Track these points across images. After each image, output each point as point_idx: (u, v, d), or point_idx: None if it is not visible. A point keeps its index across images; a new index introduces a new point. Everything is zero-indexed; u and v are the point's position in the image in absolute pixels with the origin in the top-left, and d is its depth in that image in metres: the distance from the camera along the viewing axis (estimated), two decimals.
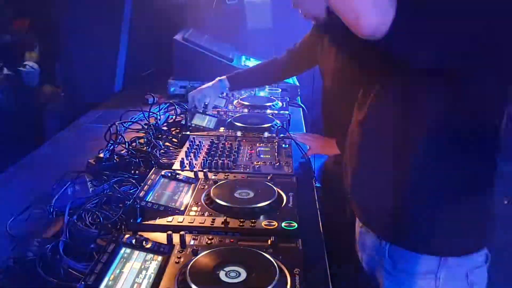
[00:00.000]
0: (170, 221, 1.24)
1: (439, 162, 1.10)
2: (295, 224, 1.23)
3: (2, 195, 1.59)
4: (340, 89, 1.75)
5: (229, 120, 2.12)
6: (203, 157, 1.70)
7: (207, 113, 2.16)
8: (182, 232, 1.13)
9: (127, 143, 1.81)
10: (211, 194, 1.34)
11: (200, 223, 1.23)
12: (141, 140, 1.90)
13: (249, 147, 1.81)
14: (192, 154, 1.71)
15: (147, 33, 3.40)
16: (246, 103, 2.40)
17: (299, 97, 2.81)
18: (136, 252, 1.08)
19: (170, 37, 2.83)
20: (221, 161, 1.64)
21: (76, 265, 1.12)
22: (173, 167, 1.61)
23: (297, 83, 2.86)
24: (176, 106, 2.32)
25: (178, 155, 1.73)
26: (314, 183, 1.73)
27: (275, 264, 1.02)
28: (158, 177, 1.44)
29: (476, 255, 1.17)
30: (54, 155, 1.98)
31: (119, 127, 1.93)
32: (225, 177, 1.53)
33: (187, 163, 1.65)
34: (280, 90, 2.70)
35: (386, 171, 1.16)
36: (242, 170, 1.62)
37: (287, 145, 1.84)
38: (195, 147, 1.78)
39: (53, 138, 2.22)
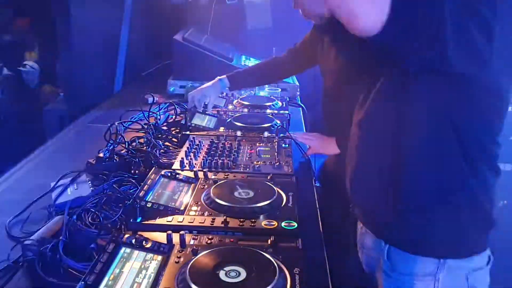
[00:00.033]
0: (170, 221, 1.24)
1: (438, 163, 1.09)
2: (295, 224, 1.23)
3: (2, 195, 1.59)
4: (340, 88, 1.75)
5: (229, 119, 2.12)
6: (203, 156, 1.70)
7: (207, 112, 2.16)
8: (182, 232, 1.13)
9: (127, 143, 1.81)
10: (211, 194, 1.34)
11: (200, 222, 1.23)
12: (141, 140, 1.90)
13: (249, 147, 1.81)
14: (192, 154, 1.71)
15: (147, 33, 3.41)
16: (246, 102, 2.40)
17: (299, 97, 2.81)
18: (136, 252, 1.08)
19: (170, 37, 2.83)
20: (221, 161, 1.64)
21: (76, 265, 1.12)
22: (173, 167, 1.61)
23: (297, 83, 2.86)
24: (176, 106, 2.32)
25: (178, 155, 1.72)
26: (314, 183, 1.73)
27: (275, 264, 1.02)
28: (158, 176, 1.44)
29: (477, 257, 1.16)
30: (54, 155, 1.98)
31: (119, 127, 1.93)
32: (225, 176, 1.53)
33: (187, 163, 1.65)
34: (280, 89, 2.70)
35: (384, 172, 1.15)
36: (242, 170, 1.62)
37: (287, 145, 1.84)
38: (195, 147, 1.78)
39: (53, 138, 2.22)
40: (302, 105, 2.68)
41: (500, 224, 1.17)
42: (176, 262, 1.06)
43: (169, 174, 1.47)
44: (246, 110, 2.32)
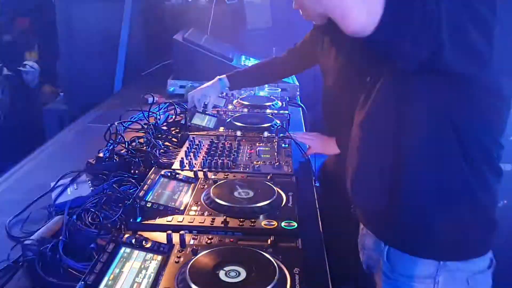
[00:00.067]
0: (170, 221, 1.24)
1: (438, 164, 1.08)
2: (295, 224, 1.22)
3: (2, 195, 1.59)
4: (340, 88, 1.75)
5: (228, 119, 2.12)
6: (203, 156, 1.70)
7: (206, 112, 2.16)
8: (181, 232, 1.13)
9: (126, 143, 1.81)
10: (211, 194, 1.34)
11: (199, 222, 1.23)
12: (141, 140, 1.90)
13: (248, 147, 1.81)
14: (191, 154, 1.71)
15: (147, 33, 3.41)
16: (245, 102, 2.40)
17: (299, 97, 2.81)
18: (136, 252, 1.08)
19: (170, 37, 2.83)
20: (220, 161, 1.64)
21: (76, 265, 1.12)
22: (173, 167, 1.61)
23: (297, 83, 2.86)
24: (175, 105, 2.32)
25: (177, 155, 1.72)
26: (314, 183, 1.73)
27: (275, 264, 1.02)
28: (157, 176, 1.44)
29: (478, 260, 1.15)
30: (54, 155, 1.98)
31: (119, 127, 1.93)
32: (225, 176, 1.53)
33: (186, 163, 1.65)
34: (279, 89, 2.70)
35: (385, 172, 1.15)
36: (241, 170, 1.62)
37: (287, 145, 1.84)
38: (194, 146, 1.78)
39: (53, 138, 2.22)
40: (302, 105, 2.68)
41: (501, 224, 1.16)
42: (176, 262, 1.06)
43: (169, 174, 1.47)
44: (246, 110, 2.32)
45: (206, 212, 1.28)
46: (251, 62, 2.98)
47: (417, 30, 0.88)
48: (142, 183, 1.40)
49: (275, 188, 1.39)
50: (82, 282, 0.95)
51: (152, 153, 1.71)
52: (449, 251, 1.13)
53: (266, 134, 1.91)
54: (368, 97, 1.19)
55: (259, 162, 1.67)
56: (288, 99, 2.55)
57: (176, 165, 1.63)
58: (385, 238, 1.21)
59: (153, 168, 1.51)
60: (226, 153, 1.73)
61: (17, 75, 3.82)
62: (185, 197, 1.37)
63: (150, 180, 1.41)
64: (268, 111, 2.32)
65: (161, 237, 1.14)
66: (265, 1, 3.22)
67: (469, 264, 1.14)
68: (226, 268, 1.01)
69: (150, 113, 2.16)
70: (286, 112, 2.31)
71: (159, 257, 1.07)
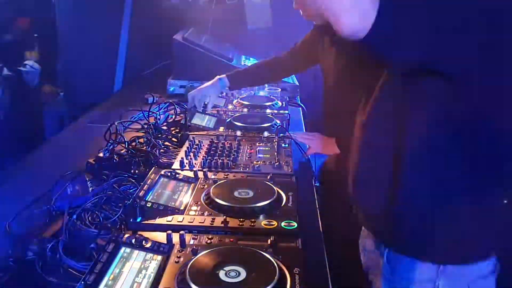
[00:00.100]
0: (170, 221, 1.24)
1: (438, 165, 1.08)
2: (295, 224, 1.22)
3: (2, 195, 1.59)
4: (341, 88, 1.75)
5: (228, 119, 2.12)
6: (203, 156, 1.70)
7: (206, 112, 2.16)
8: (181, 232, 1.13)
9: (126, 143, 1.81)
10: (211, 194, 1.34)
11: (199, 222, 1.23)
12: (141, 140, 1.90)
13: (248, 147, 1.81)
14: (191, 154, 1.71)
15: (147, 33, 3.41)
16: (245, 102, 2.40)
17: (299, 97, 2.81)
18: (136, 252, 1.08)
19: (170, 37, 2.83)
20: (220, 161, 1.64)
21: (76, 265, 1.12)
22: (173, 167, 1.61)
23: (297, 83, 2.86)
24: (175, 105, 2.32)
25: (177, 155, 1.73)
26: (314, 183, 1.73)
27: (275, 264, 1.02)
28: (157, 176, 1.44)
29: (481, 264, 1.13)
30: (54, 155, 1.98)
31: (119, 127, 1.93)
32: (225, 176, 1.53)
33: (186, 163, 1.65)
34: (279, 89, 2.70)
35: (386, 174, 1.13)
36: (241, 170, 1.62)
37: (287, 145, 1.84)
38: (194, 146, 1.78)
39: (53, 138, 2.22)
40: (302, 105, 2.68)
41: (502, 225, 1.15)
42: (176, 262, 1.06)
43: (169, 174, 1.47)
44: (246, 110, 2.32)
45: (206, 212, 1.28)
46: (251, 62, 2.98)
47: (409, 36, 0.89)
48: (142, 183, 1.40)
49: (275, 188, 1.39)
50: (82, 282, 0.95)
51: (152, 153, 1.71)
52: (450, 255, 1.12)
53: (266, 134, 1.91)
54: (369, 99, 1.19)
55: (259, 162, 1.67)
56: (288, 99, 2.55)
57: (176, 165, 1.63)
58: (384, 240, 1.20)
59: (153, 168, 1.51)
60: (226, 153, 1.73)
61: (17, 75, 3.82)
62: (185, 197, 1.37)
63: (150, 180, 1.41)
64: (268, 111, 2.32)
65: (161, 237, 1.14)
66: (265, 1, 3.21)
67: (471, 269, 1.13)
68: (226, 268, 1.01)
69: (150, 113, 2.16)
70: (286, 112, 2.31)
71: (159, 257, 1.07)
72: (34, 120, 3.71)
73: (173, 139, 1.97)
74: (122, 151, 1.75)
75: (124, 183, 1.51)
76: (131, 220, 1.23)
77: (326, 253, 1.26)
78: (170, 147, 1.88)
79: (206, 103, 2.16)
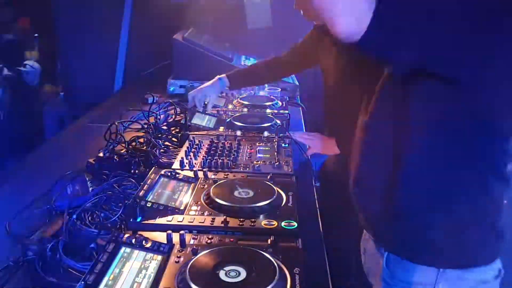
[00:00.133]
0: (170, 221, 1.24)
1: (439, 167, 1.07)
2: (295, 224, 1.22)
3: (2, 195, 1.59)
4: (341, 88, 1.75)
5: (228, 119, 2.12)
6: (203, 156, 1.70)
7: (206, 112, 2.16)
8: (181, 232, 1.13)
9: (126, 143, 1.81)
10: (211, 194, 1.34)
11: (199, 222, 1.23)
12: (141, 140, 1.90)
13: (248, 147, 1.81)
14: (191, 154, 1.71)
15: (147, 33, 3.41)
16: (245, 102, 2.40)
17: (299, 97, 2.81)
18: (136, 252, 1.08)
19: (170, 37, 2.83)
20: (220, 161, 1.64)
21: (76, 265, 1.12)
22: (173, 167, 1.61)
23: (297, 83, 2.86)
24: (175, 105, 2.32)
25: (177, 155, 1.73)
26: (314, 183, 1.73)
27: (275, 264, 1.02)
28: (157, 176, 1.44)
29: (483, 269, 1.11)
30: (54, 155, 1.98)
31: (119, 127, 1.93)
32: (225, 176, 1.53)
33: (186, 163, 1.65)
34: (279, 89, 2.70)
35: (386, 176, 1.13)
36: (241, 170, 1.61)
37: (287, 145, 1.84)
38: (194, 146, 1.78)
39: (53, 138, 2.22)
40: (302, 104, 2.68)
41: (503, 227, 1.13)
42: (176, 262, 1.06)
43: (169, 173, 1.47)
44: (246, 109, 2.32)
45: (206, 212, 1.28)
46: (251, 62, 2.98)
47: (404, 39, 0.90)
48: (142, 183, 1.40)
49: (275, 188, 1.39)
50: (82, 282, 0.95)
51: (152, 152, 1.71)
52: (449, 259, 1.11)
53: (266, 134, 1.91)
54: (370, 98, 1.18)
55: (259, 162, 1.67)
56: (288, 99, 2.55)
57: (176, 165, 1.63)
58: (384, 243, 1.20)
59: (153, 168, 1.51)
60: (226, 153, 1.73)
61: (17, 75, 3.82)
62: (185, 197, 1.37)
63: (150, 180, 1.41)
64: (268, 111, 2.32)
65: (161, 237, 1.14)
66: (265, 1, 3.21)
67: (472, 273, 1.11)
68: (226, 268, 1.01)
69: (150, 112, 2.16)
70: (286, 112, 2.31)
71: (159, 257, 1.07)
72: (34, 120, 3.71)
73: (173, 139, 1.97)
74: (122, 151, 1.75)
75: (124, 183, 1.51)
76: (131, 220, 1.23)
77: (326, 253, 1.26)
78: (170, 147, 1.88)
79: (206, 103, 2.16)
